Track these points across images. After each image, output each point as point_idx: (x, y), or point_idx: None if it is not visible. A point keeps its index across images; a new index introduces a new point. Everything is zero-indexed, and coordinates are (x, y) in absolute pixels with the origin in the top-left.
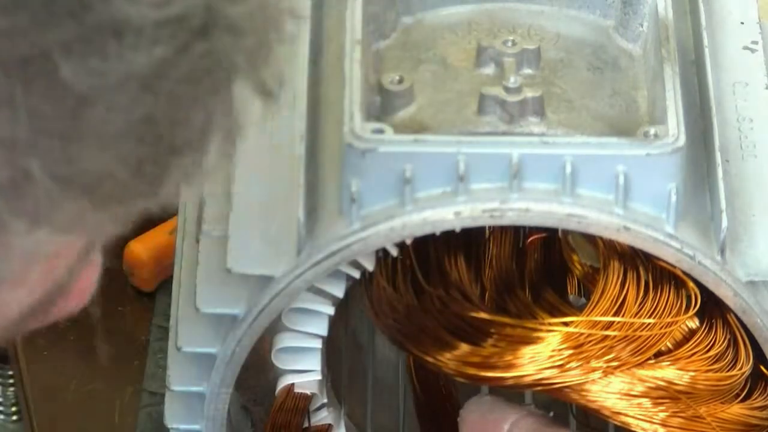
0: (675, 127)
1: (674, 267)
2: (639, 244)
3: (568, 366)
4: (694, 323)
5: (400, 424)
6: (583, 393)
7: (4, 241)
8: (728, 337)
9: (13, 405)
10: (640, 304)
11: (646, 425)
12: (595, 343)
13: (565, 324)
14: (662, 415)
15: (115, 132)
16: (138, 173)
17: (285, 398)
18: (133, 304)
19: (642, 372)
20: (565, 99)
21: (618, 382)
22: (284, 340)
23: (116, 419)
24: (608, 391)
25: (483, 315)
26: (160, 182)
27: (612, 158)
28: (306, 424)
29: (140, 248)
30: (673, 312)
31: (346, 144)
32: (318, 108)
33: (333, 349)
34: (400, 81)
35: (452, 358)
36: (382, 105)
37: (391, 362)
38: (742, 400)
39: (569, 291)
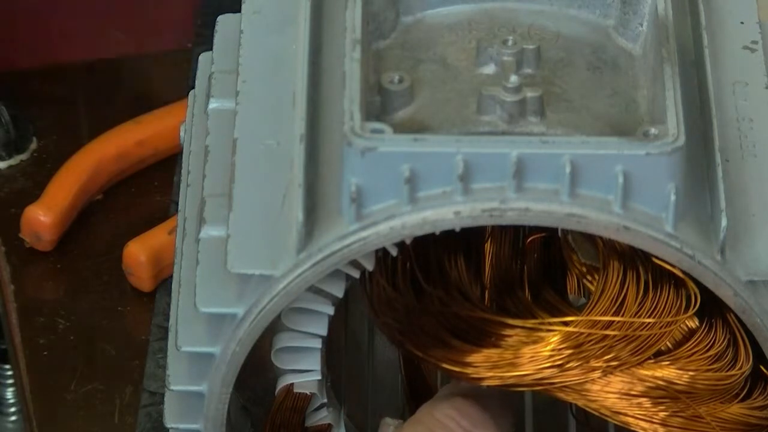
0: (675, 127)
1: (674, 267)
2: (639, 244)
3: (567, 366)
4: (693, 323)
5: None
6: (583, 393)
7: None
8: (728, 336)
9: (12, 405)
10: (639, 303)
11: (646, 425)
12: (595, 343)
13: (565, 323)
14: (662, 414)
15: None
16: None
17: (284, 398)
18: (133, 304)
19: (642, 372)
20: (565, 99)
21: (618, 382)
22: (284, 340)
23: (116, 419)
24: (608, 390)
25: (483, 315)
26: None
27: (612, 158)
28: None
29: (138, 249)
30: (673, 312)
31: (345, 144)
32: (318, 108)
33: (333, 349)
34: (400, 81)
35: (452, 358)
36: (382, 105)
37: (391, 362)
38: (742, 400)
39: (569, 291)
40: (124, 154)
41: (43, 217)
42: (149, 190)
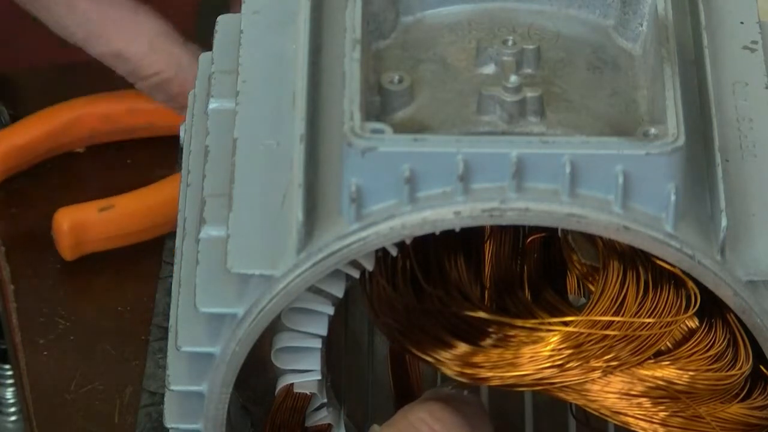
0: (675, 127)
1: (674, 267)
2: (639, 244)
3: (567, 366)
4: (693, 323)
5: None
6: (583, 393)
7: None
8: (728, 336)
9: (12, 405)
10: (639, 303)
11: (646, 425)
12: (595, 343)
13: (565, 323)
14: (662, 414)
15: None
16: None
17: (284, 398)
18: (132, 304)
19: (642, 372)
20: (565, 99)
21: (618, 382)
22: (284, 340)
23: (116, 419)
24: (608, 390)
25: (483, 315)
26: None
27: (611, 158)
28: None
29: (63, 218)
30: (673, 311)
31: (345, 144)
32: (318, 108)
33: (333, 349)
34: (400, 81)
35: (452, 358)
36: (382, 105)
37: None
38: (742, 400)
39: (569, 291)
40: (113, 117)
41: None
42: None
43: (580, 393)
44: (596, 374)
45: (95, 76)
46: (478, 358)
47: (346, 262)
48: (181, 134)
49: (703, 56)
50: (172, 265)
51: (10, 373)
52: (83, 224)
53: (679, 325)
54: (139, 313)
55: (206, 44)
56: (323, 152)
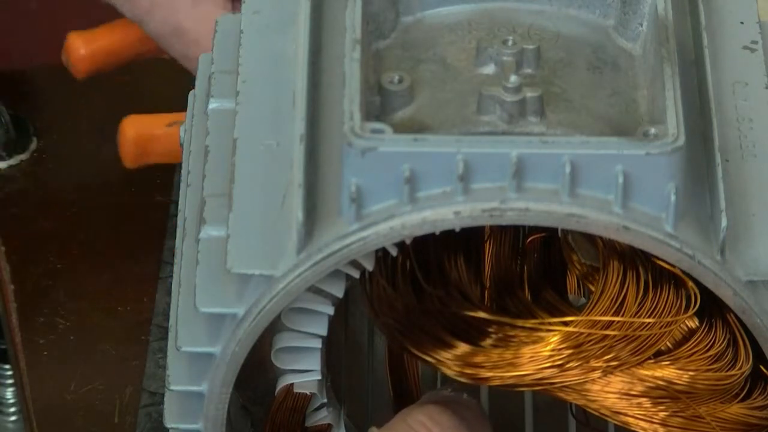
0: (674, 127)
1: (674, 267)
2: (639, 244)
3: (567, 366)
4: (693, 323)
5: None
6: (583, 393)
7: None
8: (728, 336)
9: (12, 405)
10: (639, 303)
11: (646, 425)
12: (595, 343)
13: (565, 323)
14: (662, 414)
15: None
16: None
17: (284, 398)
18: (132, 304)
19: (642, 372)
20: (565, 99)
21: (618, 382)
22: (284, 340)
23: (116, 419)
24: (608, 390)
25: (483, 315)
26: None
27: (611, 158)
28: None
29: (130, 126)
30: (673, 311)
31: (345, 144)
32: (318, 108)
33: (333, 349)
34: (400, 81)
35: (452, 358)
36: (382, 105)
37: None
38: (742, 400)
39: (569, 291)
40: None
41: (81, 50)
42: (150, 189)
43: (580, 393)
44: (596, 374)
45: (95, 76)
46: (479, 358)
47: (346, 262)
48: (181, 134)
49: (703, 56)
50: (172, 265)
51: (10, 373)
52: (148, 136)
53: (679, 325)
54: (139, 313)
55: None
56: (323, 152)
